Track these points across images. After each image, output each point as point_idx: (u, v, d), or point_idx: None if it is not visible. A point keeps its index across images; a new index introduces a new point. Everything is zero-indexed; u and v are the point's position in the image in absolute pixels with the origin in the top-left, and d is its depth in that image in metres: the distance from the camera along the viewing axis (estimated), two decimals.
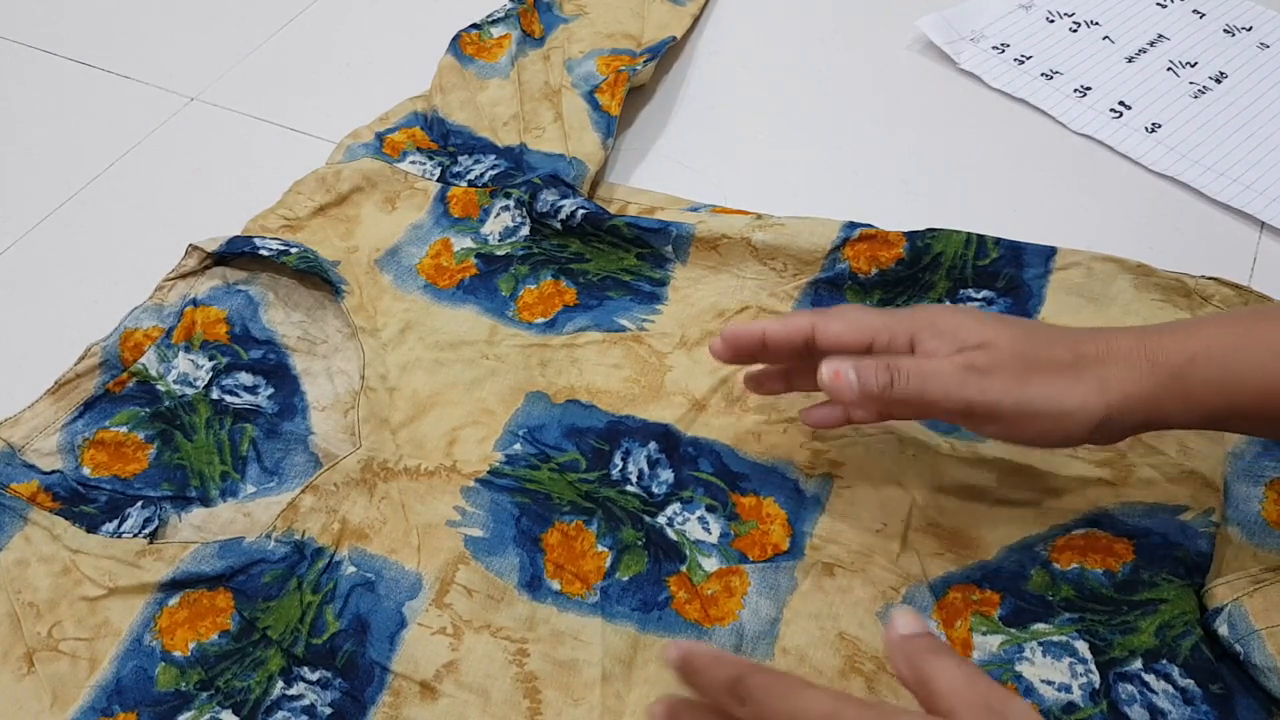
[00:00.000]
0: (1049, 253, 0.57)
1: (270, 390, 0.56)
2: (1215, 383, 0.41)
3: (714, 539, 0.49)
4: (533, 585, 0.48)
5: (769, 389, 0.50)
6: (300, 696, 0.45)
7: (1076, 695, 0.43)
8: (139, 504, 0.51)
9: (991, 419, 0.42)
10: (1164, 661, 0.44)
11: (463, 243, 0.61)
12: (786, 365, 0.49)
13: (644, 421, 0.53)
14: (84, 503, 0.51)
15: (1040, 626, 0.45)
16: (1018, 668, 0.44)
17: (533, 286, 0.59)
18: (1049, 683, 0.44)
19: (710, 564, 0.48)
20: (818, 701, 0.33)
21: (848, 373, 0.42)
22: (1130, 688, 0.43)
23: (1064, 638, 0.44)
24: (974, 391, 0.41)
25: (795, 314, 0.47)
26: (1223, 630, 0.44)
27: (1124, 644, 0.44)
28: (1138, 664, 0.44)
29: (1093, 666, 0.44)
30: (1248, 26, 0.74)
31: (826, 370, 0.42)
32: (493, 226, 0.61)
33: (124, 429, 0.54)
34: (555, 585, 0.48)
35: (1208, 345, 0.41)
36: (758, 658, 0.46)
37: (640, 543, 0.49)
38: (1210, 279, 0.55)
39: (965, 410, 0.42)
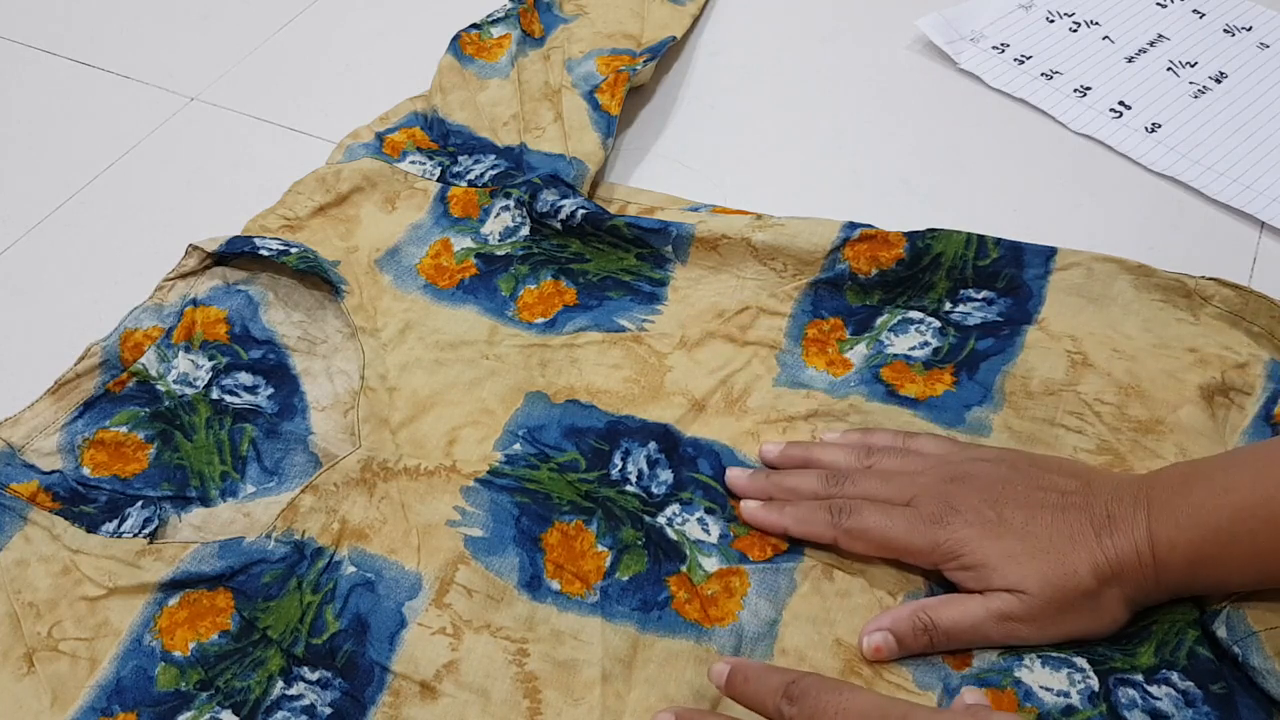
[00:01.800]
0: (1049, 253, 0.57)
1: (270, 390, 0.56)
2: (1224, 573, 0.44)
3: (714, 539, 0.49)
4: (533, 585, 0.48)
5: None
6: (300, 696, 0.45)
7: (1075, 699, 0.43)
8: (139, 504, 0.51)
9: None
10: (1163, 671, 0.44)
11: (463, 243, 0.61)
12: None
13: (644, 422, 0.53)
14: (84, 503, 0.51)
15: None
16: (1017, 673, 0.44)
17: (533, 286, 0.59)
18: (1048, 689, 0.44)
19: (710, 564, 0.48)
20: (865, 698, 0.37)
21: (888, 642, 0.45)
22: (1131, 692, 0.43)
23: (1063, 654, 0.44)
24: (1012, 641, 0.44)
25: (817, 519, 0.48)
26: (1220, 632, 0.44)
27: (1125, 662, 0.44)
28: (1139, 676, 0.44)
29: (1091, 674, 0.44)
30: (1248, 26, 0.74)
31: (867, 644, 0.45)
32: (493, 226, 0.61)
33: (124, 429, 0.54)
34: (555, 585, 0.48)
35: (1211, 535, 0.42)
36: (757, 658, 0.46)
37: (640, 543, 0.49)
38: (1210, 279, 0.55)
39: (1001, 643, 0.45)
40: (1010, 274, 0.56)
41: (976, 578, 0.45)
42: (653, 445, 0.52)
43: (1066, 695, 0.43)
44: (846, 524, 0.47)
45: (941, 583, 0.47)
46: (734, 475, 0.51)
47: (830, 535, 0.47)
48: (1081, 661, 0.44)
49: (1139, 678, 0.43)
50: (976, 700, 0.41)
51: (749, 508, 0.49)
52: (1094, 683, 0.43)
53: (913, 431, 0.51)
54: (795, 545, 0.49)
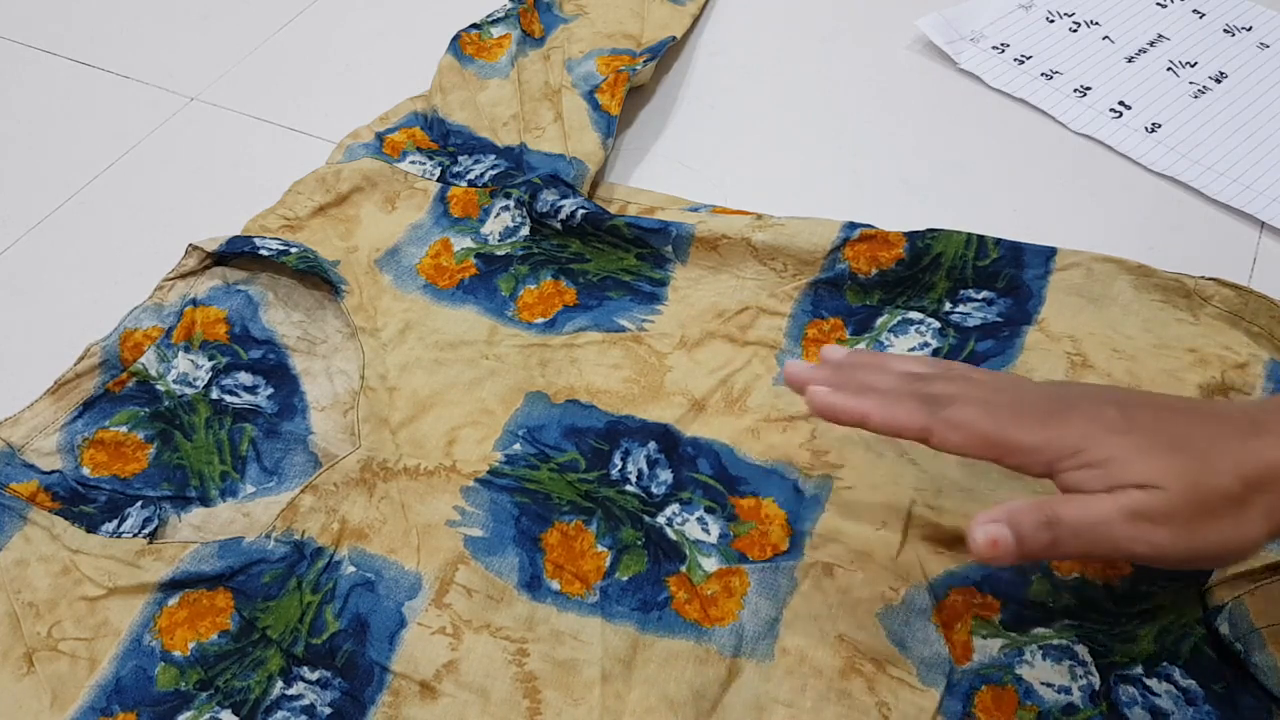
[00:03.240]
0: (1049, 253, 0.57)
1: (270, 390, 0.56)
2: None
3: (713, 539, 0.49)
4: (532, 585, 0.48)
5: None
6: (300, 696, 0.45)
7: (1076, 697, 0.43)
8: (138, 504, 0.51)
9: (1153, 564, 0.38)
10: (1165, 664, 0.44)
11: (462, 243, 0.61)
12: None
13: (643, 421, 0.53)
14: (84, 502, 0.51)
15: (1040, 630, 0.45)
16: (1017, 670, 0.44)
17: (533, 286, 0.59)
18: (1049, 685, 0.44)
19: (710, 564, 0.48)
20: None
21: (1005, 537, 0.37)
22: (1131, 689, 0.43)
23: (1064, 641, 0.44)
24: (1143, 547, 0.37)
25: (905, 405, 0.41)
26: (1223, 629, 0.44)
27: (1125, 651, 0.44)
28: (1139, 669, 0.44)
29: (1093, 669, 0.44)
30: (1248, 26, 0.74)
31: (982, 537, 0.37)
32: (493, 226, 0.61)
33: (123, 429, 0.54)
34: (555, 585, 0.48)
35: None
36: (758, 658, 0.46)
37: (640, 543, 0.49)
38: (1210, 280, 0.55)
39: (1127, 560, 0.39)
40: (1010, 274, 0.56)
41: (1102, 476, 0.37)
42: (652, 445, 0.52)
43: (1068, 692, 0.43)
44: (944, 413, 0.40)
45: (942, 582, 0.47)
46: (794, 366, 0.44)
47: (921, 423, 0.40)
48: (1083, 652, 0.44)
49: (1138, 670, 0.43)
50: None
51: (818, 392, 0.42)
52: (1095, 680, 0.44)
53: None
54: (795, 545, 0.49)
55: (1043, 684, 0.44)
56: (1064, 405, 0.39)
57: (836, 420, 0.42)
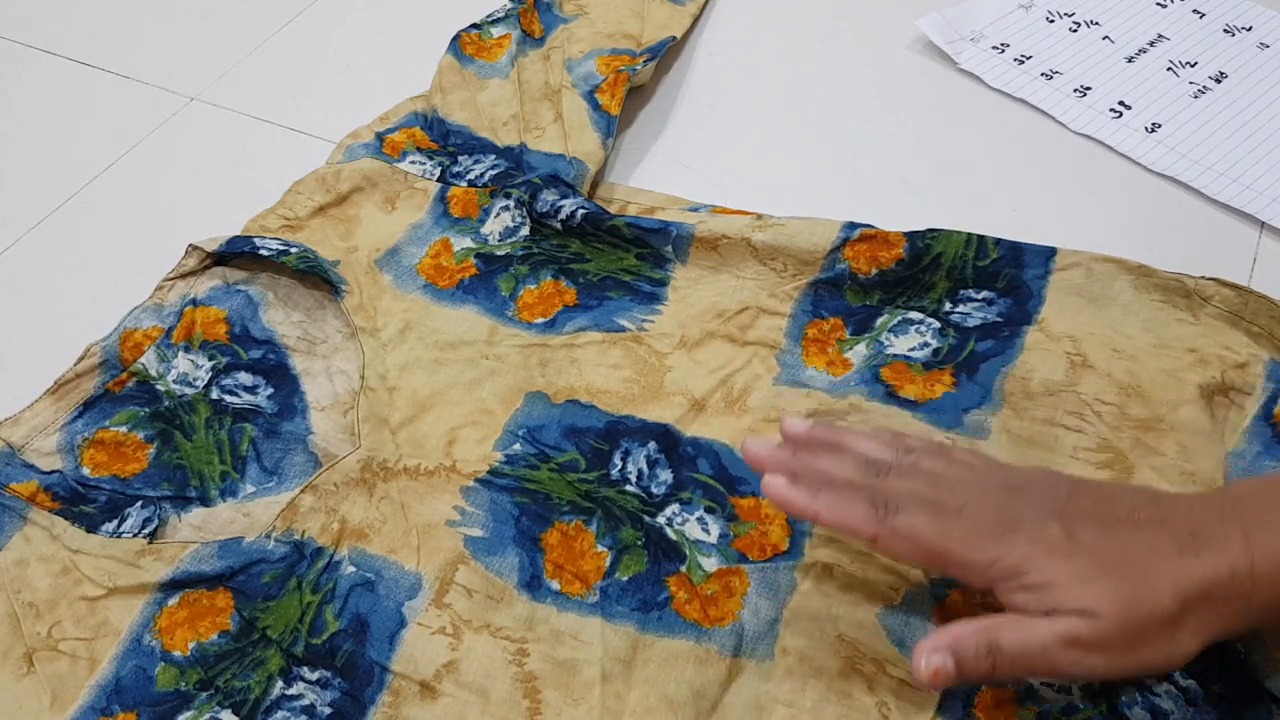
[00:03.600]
0: (1049, 253, 0.57)
1: (270, 390, 0.56)
2: None
3: (713, 539, 0.49)
4: (532, 585, 0.48)
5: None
6: (300, 696, 0.45)
7: (1076, 696, 0.43)
8: (138, 504, 0.51)
9: (1085, 681, 0.41)
10: None
11: (462, 243, 0.61)
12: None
13: (643, 421, 0.53)
14: (83, 502, 0.51)
15: None
16: None
17: (533, 286, 0.59)
18: (1049, 685, 0.44)
19: (710, 564, 0.48)
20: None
21: (946, 667, 0.38)
22: (1131, 690, 0.43)
23: None
24: (1079, 670, 0.38)
25: (856, 509, 0.41)
26: None
27: None
28: None
29: None
30: (1248, 26, 0.74)
31: (925, 667, 0.38)
32: (492, 226, 0.61)
33: (123, 429, 0.54)
34: (555, 585, 0.48)
35: None
36: (758, 658, 0.45)
37: (640, 543, 0.49)
38: (1210, 280, 0.55)
39: (1070, 676, 0.40)
40: (1010, 274, 0.56)
41: (1040, 599, 0.38)
42: (652, 445, 0.52)
43: (1068, 692, 0.43)
44: (892, 521, 0.40)
45: (942, 582, 0.47)
46: (754, 446, 0.44)
47: (871, 530, 0.41)
48: None
49: None
50: None
51: (774, 484, 0.42)
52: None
53: (955, 445, 0.46)
54: (795, 545, 0.49)
55: (1043, 684, 0.44)
56: (1011, 523, 0.40)
57: (790, 514, 0.43)
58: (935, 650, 0.39)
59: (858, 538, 0.41)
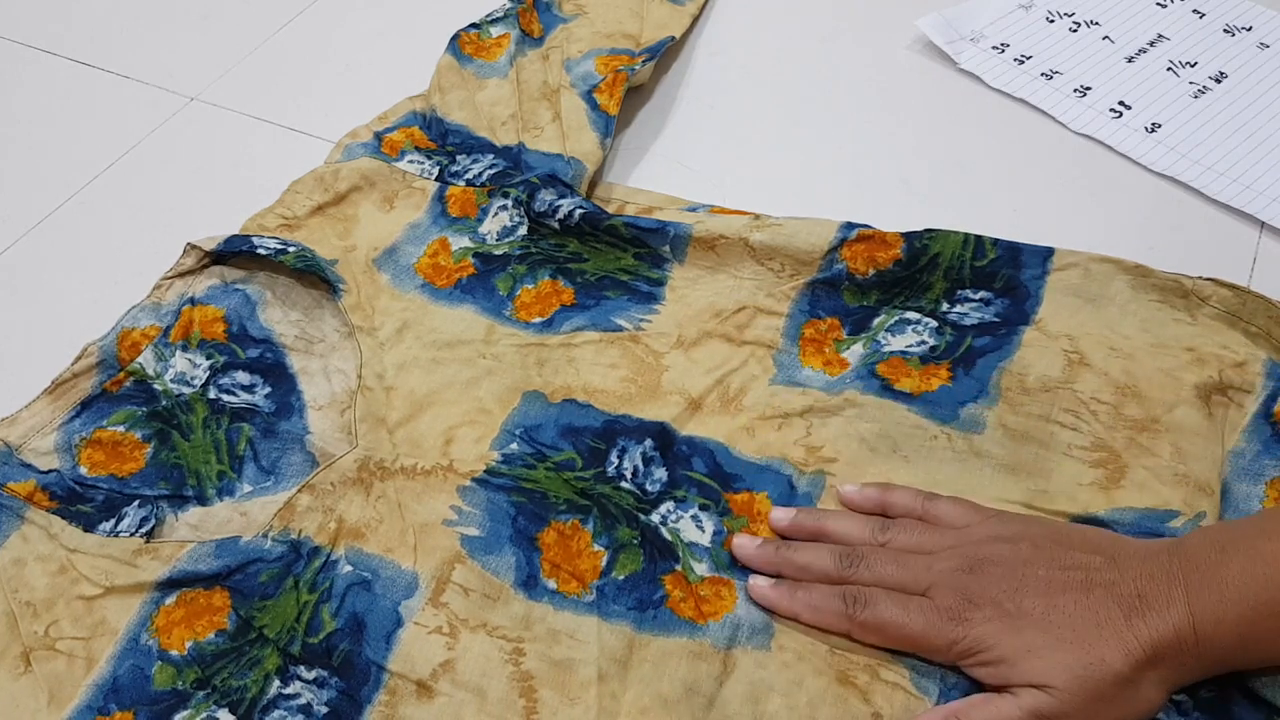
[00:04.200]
0: (1046, 253, 0.57)
1: (267, 389, 0.56)
2: (1274, 648, 0.41)
3: (706, 539, 0.49)
4: (529, 584, 0.48)
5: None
6: (296, 695, 0.45)
7: None
8: (136, 503, 0.51)
9: None
10: None
11: (460, 242, 0.61)
12: None
13: (640, 421, 0.53)
14: (81, 502, 0.51)
15: None
16: None
17: (530, 286, 0.59)
18: None
19: (701, 569, 0.48)
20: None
21: None
22: None
23: None
24: None
25: (830, 609, 0.46)
26: None
27: None
28: None
29: None
30: (1248, 26, 0.74)
31: None
32: (490, 226, 0.61)
33: (121, 428, 0.54)
34: (551, 584, 0.48)
35: (1261, 609, 0.40)
36: (754, 646, 0.45)
37: (636, 541, 0.49)
38: (1208, 280, 0.55)
39: None
40: (1008, 274, 0.56)
41: (997, 674, 0.42)
42: (648, 443, 0.52)
43: None
44: (861, 616, 0.45)
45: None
46: (742, 544, 0.48)
47: (844, 627, 0.45)
48: None
49: None
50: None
51: (759, 586, 0.47)
52: None
53: (933, 493, 0.49)
54: None
55: None
56: (967, 605, 0.43)
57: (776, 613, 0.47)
58: None
59: (836, 634, 0.46)
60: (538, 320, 0.58)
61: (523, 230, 0.61)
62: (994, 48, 0.74)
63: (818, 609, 0.46)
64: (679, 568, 0.48)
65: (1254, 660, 0.42)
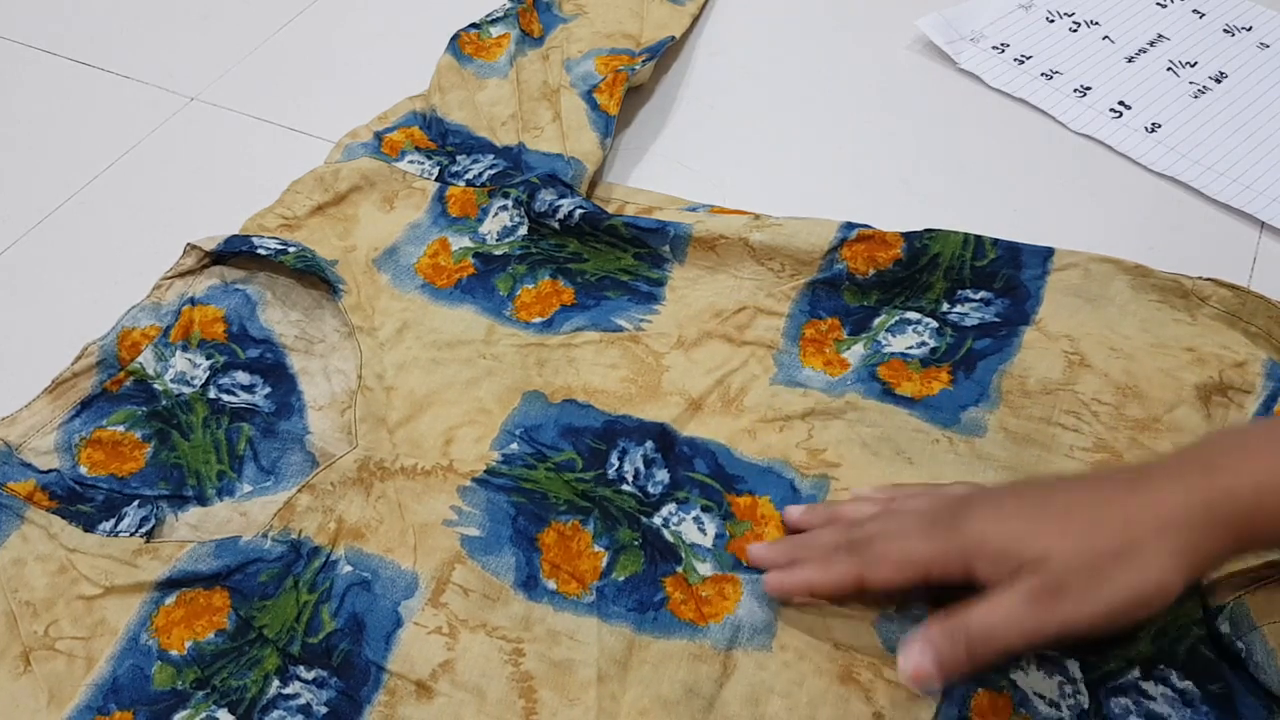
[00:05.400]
0: (1046, 254, 0.56)
1: (267, 389, 0.56)
2: None
3: (709, 541, 0.49)
4: (529, 585, 0.48)
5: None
6: (296, 695, 0.45)
7: (1065, 714, 0.43)
8: (135, 503, 0.51)
9: (1075, 637, 0.40)
10: (1161, 667, 0.43)
11: (461, 242, 0.61)
12: None
13: (640, 421, 0.53)
14: (81, 502, 0.51)
15: None
16: (1013, 675, 0.44)
17: (530, 286, 0.59)
18: (1040, 696, 0.43)
19: (705, 569, 0.48)
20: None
21: (924, 666, 0.40)
22: (1125, 700, 0.43)
23: (1055, 653, 0.44)
24: (1053, 625, 0.39)
25: (839, 563, 0.45)
26: (1224, 628, 0.44)
27: (1120, 654, 0.44)
28: (1135, 673, 0.43)
29: (1081, 687, 0.44)
30: (1248, 26, 0.74)
31: (906, 669, 0.40)
32: (491, 226, 0.61)
33: (121, 428, 0.54)
34: (551, 585, 0.48)
35: (1268, 474, 0.38)
36: (754, 648, 0.45)
37: (636, 543, 0.49)
38: (1208, 280, 0.55)
39: (1050, 643, 0.41)
40: (1008, 275, 0.56)
41: (1002, 563, 0.40)
42: (649, 444, 0.52)
43: (1057, 708, 0.43)
44: (867, 554, 0.44)
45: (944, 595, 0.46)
46: (756, 550, 0.48)
47: (855, 572, 0.44)
48: (1073, 668, 0.44)
49: (1135, 674, 0.43)
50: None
51: (771, 579, 0.46)
52: (1084, 699, 0.43)
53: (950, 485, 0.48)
54: None
55: (1035, 694, 0.43)
56: (963, 508, 0.43)
57: (794, 597, 0.46)
58: (912, 651, 0.40)
59: (850, 587, 0.44)
60: (538, 320, 0.57)
61: (523, 230, 0.61)
62: (994, 48, 0.74)
63: (826, 567, 0.45)
64: (680, 569, 0.48)
65: (1261, 539, 0.39)
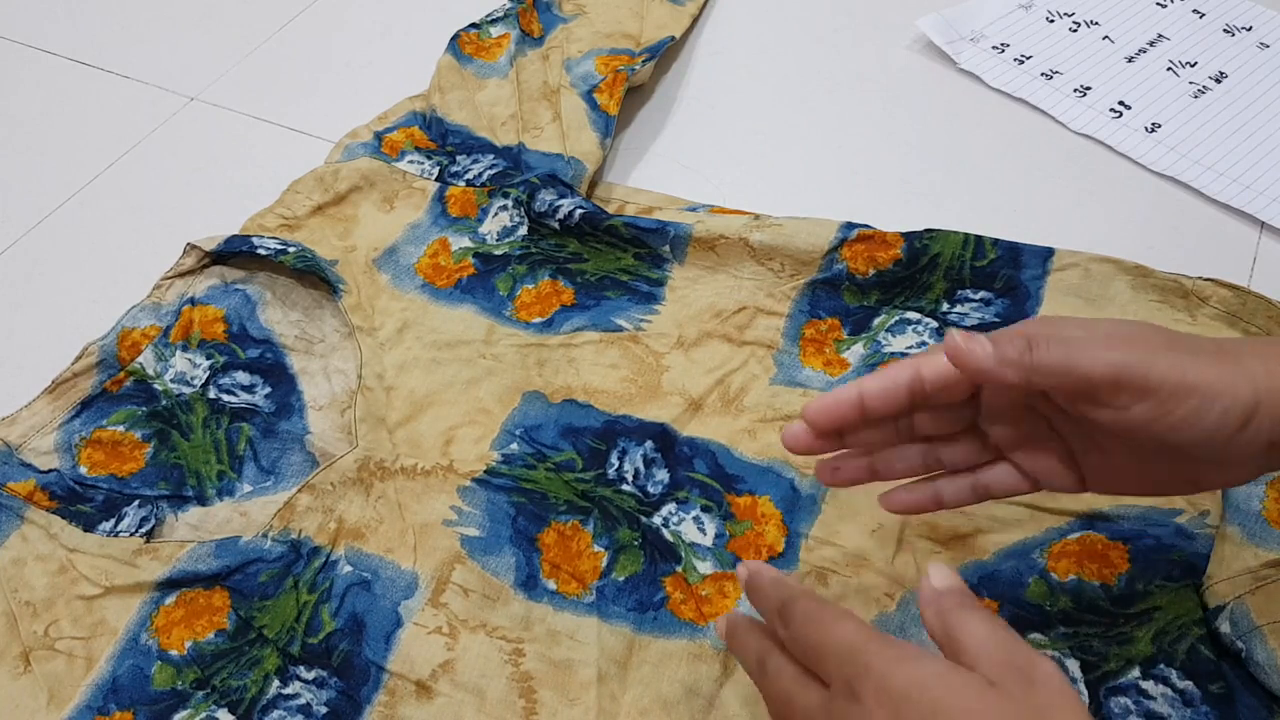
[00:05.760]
0: (1046, 254, 0.56)
1: (267, 389, 0.56)
2: None
3: (709, 541, 0.49)
4: (529, 585, 0.48)
5: (849, 477, 0.43)
6: (296, 695, 0.45)
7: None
8: (135, 503, 0.51)
9: (1142, 391, 0.35)
10: (1161, 666, 0.43)
11: (461, 242, 0.61)
12: (875, 441, 0.42)
13: (640, 421, 0.53)
14: (81, 502, 0.51)
15: (1036, 636, 0.45)
16: None
17: (530, 286, 0.59)
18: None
19: (705, 567, 0.48)
20: (848, 634, 0.34)
21: (984, 343, 0.36)
22: (1124, 700, 0.43)
23: (1056, 653, 0.44)
24: (1121, 354, 0.35)
25: (891, 366, 0.39)
26: (1224, 628, 0.44)
27: (1120, 654, 0.44)
28: (1135, 673, 0.43)
29: (1082, 686, 0.44)
30: (1248, 26, 0.74)
31: (957, 334, 0.36)
32: (491, 226, 0.61)
33: (121, 428, 0.54)
34: (551, 585, 0.48)
35: None
36: None
37: (636, 543, 0.49)
38: (1208, 280, 0.55)
39: (1114, 378, 0.35)
40: (1008, 275, 0.56)
41: (1089, 335, 0.36)
42: (649, 444, 0.52)
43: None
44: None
45: None
46: (792, 433, 0.41)
47: (1024, 360, 0.37)
48: (1074, 667, 0.44)
49: (1135, 673, 0.43)
50: (944, 580, 0.35)
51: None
52: (1084, 699, 0.43)
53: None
54: (791, 548, 0.49)
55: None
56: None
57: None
58: (973, 337, 0.36)
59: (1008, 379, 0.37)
60: (538, 320, 0.57)
61: (523, 230, 0.61)
62: (994, 48, 0.74)
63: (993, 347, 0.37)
64: (680, 569, 0.48)
65: None
